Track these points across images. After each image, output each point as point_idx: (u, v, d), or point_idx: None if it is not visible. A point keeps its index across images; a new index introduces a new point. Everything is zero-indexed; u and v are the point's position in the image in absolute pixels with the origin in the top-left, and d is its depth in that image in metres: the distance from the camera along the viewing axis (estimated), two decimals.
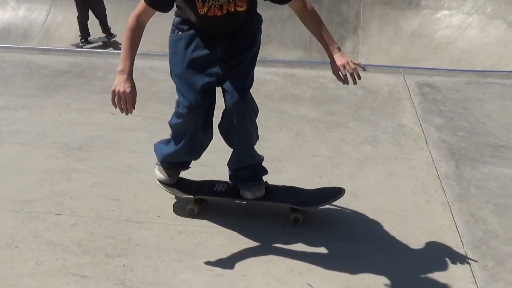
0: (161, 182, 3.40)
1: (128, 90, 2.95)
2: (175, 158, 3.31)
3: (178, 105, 3.16)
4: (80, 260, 3.00)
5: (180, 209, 3.46)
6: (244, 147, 3.21)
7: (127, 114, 2.96)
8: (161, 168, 3.41)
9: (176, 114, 3.19)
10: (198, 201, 3.42)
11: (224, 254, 3.09)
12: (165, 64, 5.84)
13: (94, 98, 5.00)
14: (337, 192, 3.36)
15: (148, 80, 5.34)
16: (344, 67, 2.90)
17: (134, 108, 2.96)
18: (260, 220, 3.36)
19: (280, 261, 3.05)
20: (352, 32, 8.98)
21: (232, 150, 3.29)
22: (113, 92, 2.94)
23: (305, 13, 3.02)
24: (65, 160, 4.02)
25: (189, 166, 3.45)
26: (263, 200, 3.33)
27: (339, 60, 2.92)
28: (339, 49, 2.98)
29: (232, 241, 3.19)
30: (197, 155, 3.30)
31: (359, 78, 2.92)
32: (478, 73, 6.11)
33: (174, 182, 3.41)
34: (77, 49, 8.48)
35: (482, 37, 8.29)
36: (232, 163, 3.31)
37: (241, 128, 3.08)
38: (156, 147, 3.44)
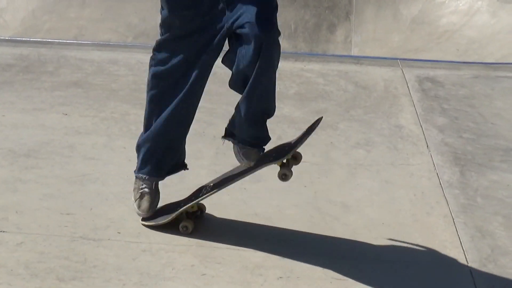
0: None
1: None
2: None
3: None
4: (28, 284, 3.03)
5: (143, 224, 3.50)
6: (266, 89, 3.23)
7: None
8: (140, 187, 3.46)
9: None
10: (191, 216, 3.45)
11: (195, 276, 3.13)
12: (126, 56, 5.92)
13: (43, 97, 5.02)
14: (315, 124, 3.45)
15: (106, 75, 5.37)
16: None
17: None
18: (234, 237, 3.40)
19: (259, 283, 3.10)
20: (344, 18, 9.03)
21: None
22: None
23: None
24: (10, 169, 4.04)
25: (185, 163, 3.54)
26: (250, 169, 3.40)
27: None
28: None
29: (204, 260, 3.24)
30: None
31: None
32: (486, 65, 6.21)
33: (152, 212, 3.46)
34: (23, 39, 8.45)
35: (493, 23, 8.37)
36: (244, 107, 3.27)
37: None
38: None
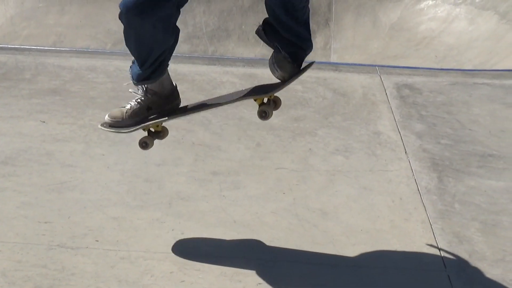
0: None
1: None
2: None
3: None
4: None
5: (122, 232, 3.50)
6: None
7: None
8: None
9: None
10: (151, 133, 3.45)
11: (173, 283, 3.14)
12: (105, 64, 5.91)
13: (21, 104, 5.00)
14: (307, 67, 3.46)
15: (84, 83, 5.36)
16: None
17: None
18: (213, 244, 3.42)
19: None
20: (324, 25, 9.09)
21: None
22: None
23: None
24: None
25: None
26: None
27: None
28: None
29: (182, 268, 3.25)
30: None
31: None
32: (464, 72, 6.27)
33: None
34: (1, 46, 8.42)
35: (471, 30, 8.46)
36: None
37: None
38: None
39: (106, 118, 3.43)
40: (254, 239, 3.50)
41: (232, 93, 3.65)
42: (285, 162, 4.31)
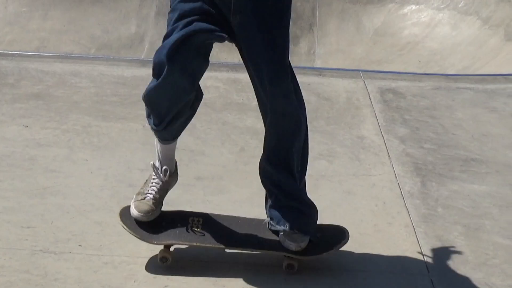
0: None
1: None
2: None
3: None
4: None
5: (105, 236, 3.49)
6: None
7: None
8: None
9: None
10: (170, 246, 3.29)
11: None
12: (89, 68, 5.90)
13: (4, 109, 4.99)
14: (341, 238, 3.32)
15: (68, 87, 5.35)
16: None
17: None
18: (197, 249, 3.40)
19: None
20: (307, 30, 9.11)
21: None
22: None
23: None
24: None
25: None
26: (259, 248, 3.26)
27: None
28: None
29: (166, 272, 3.24)
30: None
31: None
32: (447, 77, 6.31)
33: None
34: None
35: (454, 35, 8.51)
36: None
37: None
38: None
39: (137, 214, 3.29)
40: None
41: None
42: None
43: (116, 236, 3.50)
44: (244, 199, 3.88)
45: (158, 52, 3.07)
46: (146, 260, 3.32)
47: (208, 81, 5.59)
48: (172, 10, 3.08)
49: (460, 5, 8.76)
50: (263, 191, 3.96)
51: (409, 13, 8.97)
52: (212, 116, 4.94)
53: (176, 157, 4.34)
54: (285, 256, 3.25)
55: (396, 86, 5.71)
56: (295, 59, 7.65)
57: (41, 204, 3.77)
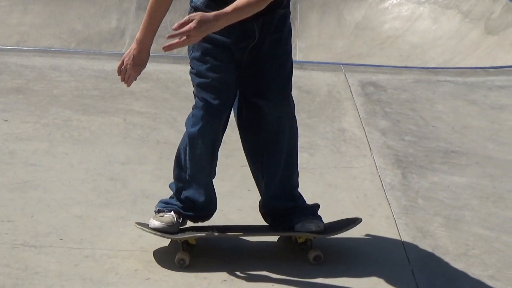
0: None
1: (131, 62, 3.15)
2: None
3: None
4: None
5: (86, 230, 3.48)
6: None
7: (128, 86, 3.25)
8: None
9: None
10: (187, 248, 3.27)
11: (138, 281, 3.13)
12: (69, 62, 5.88)
13: None
14: (354, 219, 3.43)
15: (48, 81, 5.33)
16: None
17: (132, 81, 3.22)
18: (178, 242, 3.40)
19: (203, 286, 3.12)
20: None
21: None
22: (122, 59, 3.18)
23: None
24: None
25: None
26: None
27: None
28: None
29: (147, 265, 3.24)
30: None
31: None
32: (428, 70, 6.35)
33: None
34: None
35: (434, 29, 8.55)
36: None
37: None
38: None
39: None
40: (220, 236, 3.50)
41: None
42: None
43: (97, 230, 3.49)
44: (225, 191, 3.88)
45: None
46: (128, 253, 3.32)
47: (188, 74, 5.58)
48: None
49: None
50: (244, 184, 3.97)
51: (390, 7, 9.00)
52: None
53: (158, 151, 4.36)
54: (310, 249, 3.31)
55: (377, 79, 5.73)
56: None
57: (21, 198, 3.76)
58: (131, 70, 3.16)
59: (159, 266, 3.24)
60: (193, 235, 3.26)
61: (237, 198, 3.87)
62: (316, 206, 3.41)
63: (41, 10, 8.40)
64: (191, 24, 2.84)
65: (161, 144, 4.45)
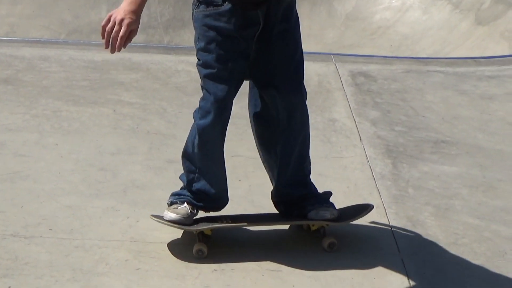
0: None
1: (128, 20, 2.88)
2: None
3: None
4: None
5: (76, 220, 3.48)
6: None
7: (113, 51, 2.92)
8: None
9: None
10: (204, 239, 3.28)
11: (129, 271, 3.14)
12: (58, 53, 5.86)
13: None
14: (366, 206, 3.47)
15: (37, 72, 5.30)
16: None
17: (124, 47, 2.93)
18: (168, 232, 3.40)
19: (193, 276, 3.12)
20: None
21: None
22: (108, 17, 2.89)
23: None
24: None
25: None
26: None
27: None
28: None
29: (138, 255, 3.24)
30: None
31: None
32: (418, 60, 6.35)
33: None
34: None
35: (425, 20, 8.56)
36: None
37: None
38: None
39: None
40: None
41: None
42: (241, 150, 4.31)
43: (87, 220, 3.49)
44: None
45: None
46: (118, 243, 3.32)
47: (179, 65, 5.58)
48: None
49: None
50: (234, 174, 3.97)
51: None
52: (183, 100, 4.93)
53: (148, 141, 4.36)
54: (324, 236, 3.35)
55: (367, 69, 5.73)
56: None
57: (11, 189, 3.75)
58: (125, 30, 2.88)
59: (149, 256, 3.24)
60: (209, 226, 3.26)
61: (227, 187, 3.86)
62: (329, 194, 3.43)
63: (30, 1, 8.37)
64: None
65: (151, 134, 4.44)
